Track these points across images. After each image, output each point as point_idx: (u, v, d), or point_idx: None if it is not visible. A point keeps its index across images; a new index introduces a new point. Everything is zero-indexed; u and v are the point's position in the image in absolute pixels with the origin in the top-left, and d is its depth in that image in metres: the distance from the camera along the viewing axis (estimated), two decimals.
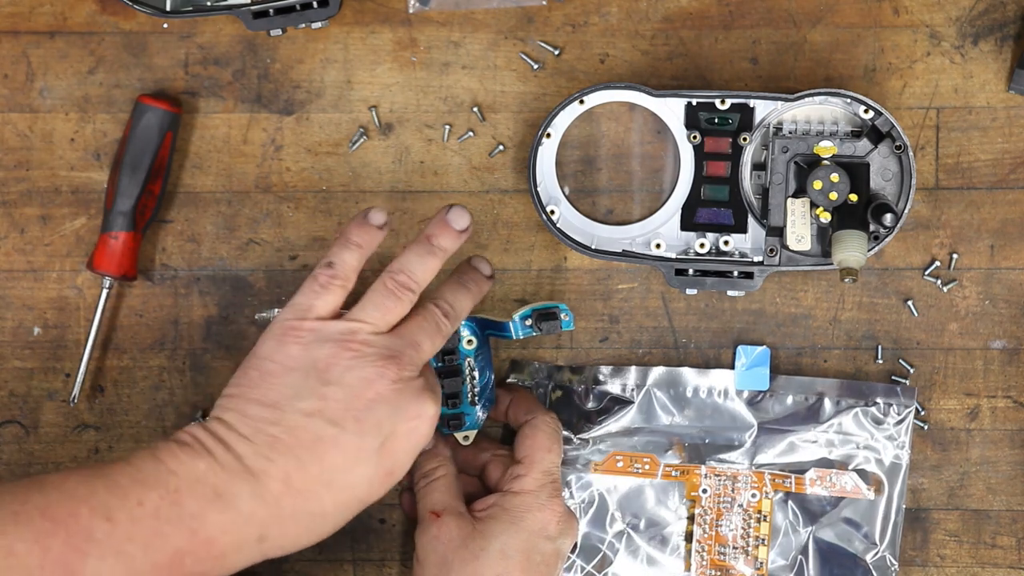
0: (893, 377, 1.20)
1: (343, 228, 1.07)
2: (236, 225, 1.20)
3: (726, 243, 1.17)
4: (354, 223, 1.06)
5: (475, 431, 1.16)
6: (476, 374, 1.15)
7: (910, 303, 1.19)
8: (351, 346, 1.02)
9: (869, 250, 1.13)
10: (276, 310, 1.10)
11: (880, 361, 1.19)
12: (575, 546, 1.18)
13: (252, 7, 1.15)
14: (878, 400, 1.18)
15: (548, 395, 1.19)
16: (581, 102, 1.17)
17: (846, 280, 1.10)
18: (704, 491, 1.18)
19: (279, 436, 1.00)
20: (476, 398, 1.16)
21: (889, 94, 1.19)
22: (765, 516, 1.18)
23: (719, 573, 1.18)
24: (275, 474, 0.99)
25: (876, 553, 1.18)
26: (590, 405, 1.19)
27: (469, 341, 1.15)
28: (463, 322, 1.14)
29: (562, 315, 1.15)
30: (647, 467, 1.19)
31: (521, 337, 1.15)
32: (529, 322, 1.15)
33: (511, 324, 1.15)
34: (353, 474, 1.01)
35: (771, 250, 1.15)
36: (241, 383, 1.02)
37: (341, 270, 1.05)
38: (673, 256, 1.17)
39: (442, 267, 1.08)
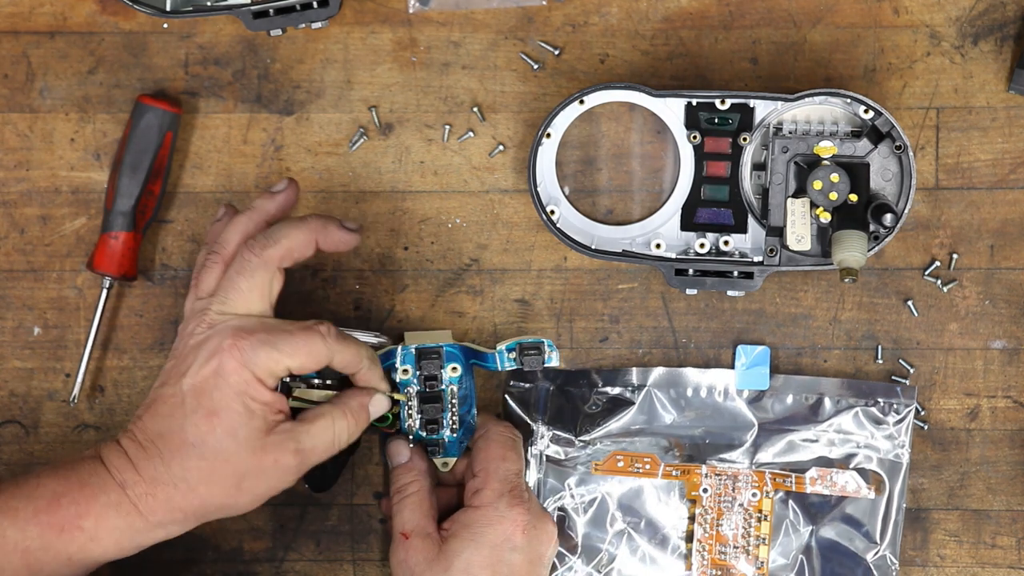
0: (893, 377, 1.20)
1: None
2: None
3: (726, 243, 1.17)
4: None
5: (454, 458, 1.16)
6: (456, 402, 1.15)
7: (910, 303, 1.19)
8: (184, 325, 1.10)
9: (869, 250, 1.13)
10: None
11: (880, 361, 1.20)
12: (576, 548, 1.19)
13: (252, 7, 1.15)
14: (878, 399, 1.18)
15: (548, 398, 1.19)
16: (581, 102, 1.17)
17: (846, 280, 1.10)
18: (705, 491, 1.18)
19: (139, 414, 1.09)
20: (456, 426, 1.15)
21: (889, 94, 1.19)
22: (766, 515, 1.18)
23: (720, 573, 1.18)
24: (126, 437, 1.08)
25: (877, 552, 1.18)
26: (591, 406, 1.19)
27: (453, 368, 1.15)
28: (450, 350, 1.15)
29: (547, 351, 1.15)
30: (648, 467, 1.19)
31: (504, 369, 1.15)
32: (513, 355, 1.15)
33: (495, 355, 1.15)
34: (174, 419, 1.07)
35: (771, 250, 1.15)
36: None
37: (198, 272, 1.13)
38: (673, 256, 1.17)
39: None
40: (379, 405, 1.12)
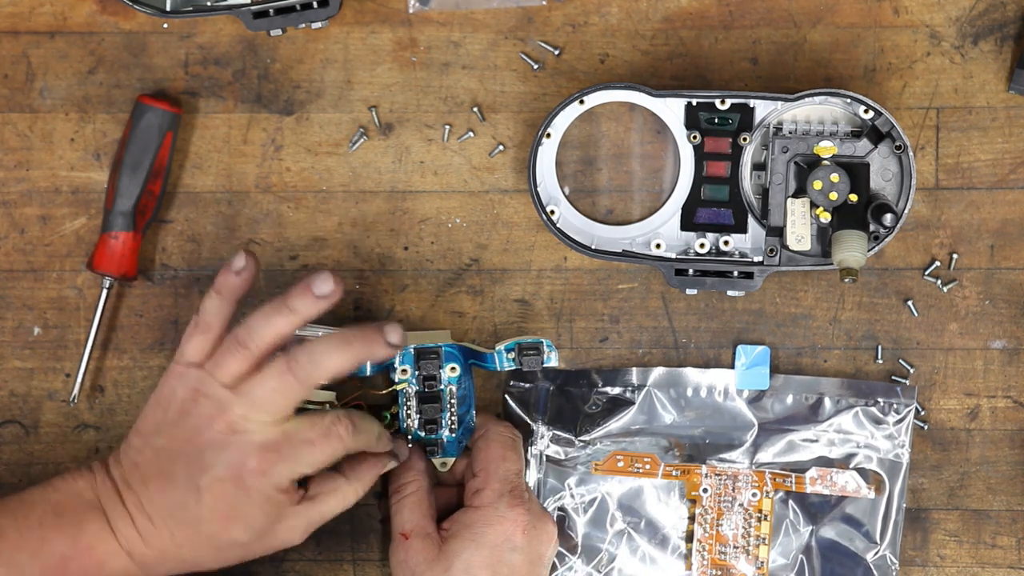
0: (893, 377, 1.20)
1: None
2: (236, 225, 1.20)
3: (726, 243, 1.17)
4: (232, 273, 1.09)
5: (452, 459, 1.16)
6: (455, 402, 1.15)
7: (910, 303, 1.19)
8: (196, 395, 1.07)
9: (869, 250, 1.13)
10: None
11: (880, 361, 1.19)
12: (576, 548, 1.19)
13: (252, 7, 1.15)
14: (878, 399, 1.18)
15: (548, 398, 1.19)
16: (581, 102, 1.17)
17: (846, 280, 1.10)
18: (705, 491, 1.18)
19: (138, 464, 1.07)
20: (455, 426, 1.15)
21: (889, 94, 1.19)
22: (766, 515, 1.18)
23: (720, 573, 1.18)
24: (131, 498, 1.07)
25: (877, 552, 1.18)
26: (591, 406, 1.19)
27: (452, 368, 1.15)
28: (449, 350, 1.14)
29: (545, 351, 1.15)
30: (648, 467, 1.19)
31: (503, 369, 1.15)
32: (512, 355, 1.15)
33: (494, 355, 1.15)
34: (188, 510, 1.06)
35: (771, 250, 1.15)
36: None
37: (203, 318, 1.08)
38: (673, 256, 1.17)
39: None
40: (389, 467, 1.14)
